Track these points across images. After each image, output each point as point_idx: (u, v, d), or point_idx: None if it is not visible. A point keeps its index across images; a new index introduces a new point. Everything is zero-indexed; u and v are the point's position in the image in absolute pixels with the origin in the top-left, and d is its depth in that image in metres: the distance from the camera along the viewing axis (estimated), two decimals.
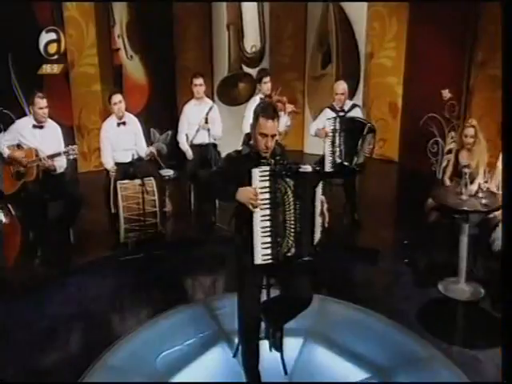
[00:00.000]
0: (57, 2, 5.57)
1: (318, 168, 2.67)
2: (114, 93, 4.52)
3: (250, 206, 2.47)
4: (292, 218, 2.55)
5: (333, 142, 4.72)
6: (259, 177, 2.48)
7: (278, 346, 2.87)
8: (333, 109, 4.88)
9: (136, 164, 4.46)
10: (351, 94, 5.49)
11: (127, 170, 4.41)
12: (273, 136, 2.57)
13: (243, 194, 2.48)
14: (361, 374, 3.06)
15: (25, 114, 4.60)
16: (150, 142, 5.94)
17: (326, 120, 4.78)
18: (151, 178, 4.33)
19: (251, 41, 6.49)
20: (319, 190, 2.59)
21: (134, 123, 4.60)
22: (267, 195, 2.50)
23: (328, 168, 4.76)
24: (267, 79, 4.99)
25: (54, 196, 4.29)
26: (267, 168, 2.51)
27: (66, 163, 4.33)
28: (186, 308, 3.65)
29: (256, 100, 5.17)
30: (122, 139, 4.49)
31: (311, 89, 6.93)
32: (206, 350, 3.21)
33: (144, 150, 4.54)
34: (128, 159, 4.46)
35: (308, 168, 2.55)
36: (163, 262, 4.25)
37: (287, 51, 6.79)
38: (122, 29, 5.96)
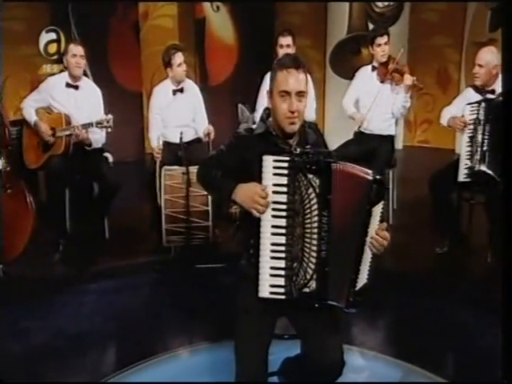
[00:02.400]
0: None
1: (378, 177, 2.25)
2: (175, 50, 4.56)
3: (255, 212, 2.21)
4: (314, 237, 2.24)
5: (472, 138, 4.23)
6: (273, 168, 2.20)
7: None
8: (477, 89, 4.40)
9: (190, 147, 4.47)
10: None
11: (176, 153, 4.43)
12: (300, 94, 2.30)
13: (245, 192, 2.23)
14: None
15: None
16: (237, 122, 6.00)
17: (465, 105, 4.33)
18: None
19: None
20: (378, 209, 2.22)
21: (194, 91, 4.65)
22: (284, 197, 2.22)
23: (462, 176, 4.28)
24: (383, 40, 4.78)
25: (85, 176, 4.52)
26: (286, 157, 2.22)
27: (104, 137, 4.50)
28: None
29: (366, 70, 4.96)
30: (177, 112, 4.54)
31: (471, 60, 6.44)
32: None
33: (203, 128, 4.54)
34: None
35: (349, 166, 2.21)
36: (215, 280, 4.22)
37: (436, 5, 6.39)
38: None
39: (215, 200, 2.71)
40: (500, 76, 4.30)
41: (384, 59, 4.82)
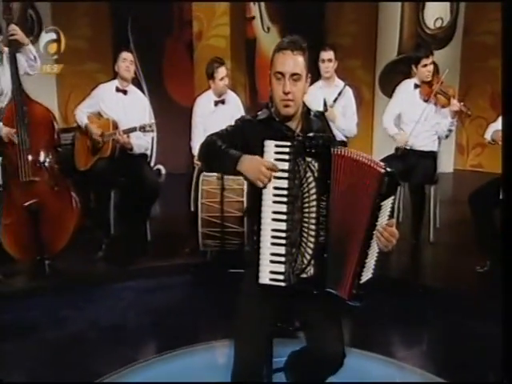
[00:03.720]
0: None
1: (389, 170, 2.17)
2: (218, 64, 4.74)
3: (259, 183, 2.16)
4: (313, 222, 2.19)
5: None
6: (275, 153, 2.17)
7: None
8: None
9: None
10: None
11: None
12: (295, 77, 2.26)
13: (250, 161, 2.18)
14: None
15: None
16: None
17: None
18: None
19: (436, 12, 6.29)
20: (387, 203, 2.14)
21: (235, 103, 4.79)
22: (285, 183, 2.18)
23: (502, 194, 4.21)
24: (428, 60, 4.75)
25: (130, 180, 4.68)
26: (288, 142, 2.17)
27: (148, 144, 4.69)
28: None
29: (408, 85, 4.93)
30: (218, 122, 4.62)
31: None
32: None
33: None
34: None
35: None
36: None
37: (492, 26, 6.30)
38: None
39: (218, 171, 2.65)
40: None
41: (428, 79, 4.78)
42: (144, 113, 4.69)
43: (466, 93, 6.36)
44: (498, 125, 4.41)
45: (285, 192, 2.19)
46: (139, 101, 4.76)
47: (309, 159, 2.17)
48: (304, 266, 2.22)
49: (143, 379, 3.26)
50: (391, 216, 2.18)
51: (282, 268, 2.21)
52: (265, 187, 2.18)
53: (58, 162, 4.31)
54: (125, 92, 4.69)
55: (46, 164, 4.20)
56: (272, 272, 2.22)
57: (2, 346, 3.50)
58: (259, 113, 2.42)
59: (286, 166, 2.17)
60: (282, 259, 2.21)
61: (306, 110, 2.41)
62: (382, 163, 2.18)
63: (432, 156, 4.89)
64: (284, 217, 2.20)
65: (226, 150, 2.28)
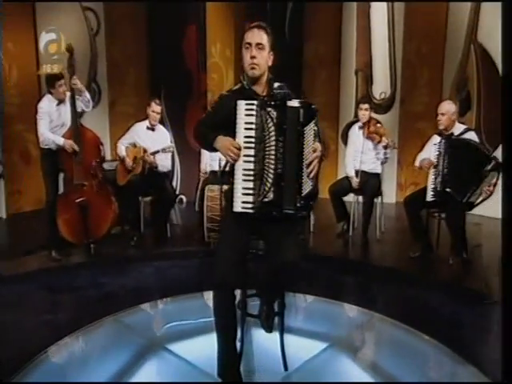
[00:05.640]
0: None
1: (313, 106, 2.22)
2: None
3: (229, 158, 2.16)
4: (272, 157, 2.16)
5: (436, 167, 4.13)
6: (245, 110, 2.14)
7: (268, 325, 2.45)
8: (440, 134, 4.35)
9: (225, 172, 4.62)
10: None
11: (217, 177, 4.60)
12: (259, 46, 2.22)
13: (222, 142, 2.17)
14: None
15: None
16: None
17: (431, 146, 4.28)
18: None
19: (380, 87, 6.40)
20: (311, 132, 2.19)
21: None
22: (253, 132, 2.14)
23: (429, 197, 4.16)
24: (365, 106, 4.80)
25: (155, 190, 4.70)
26: (255, 101, 2.14)
27: (169, 165, 4.75)
28: None
29: (355, 130, 4.98)
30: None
31: None
32: None
33: None
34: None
35: (296, 103, 2.18)
36: None
37: (421, 99, 6.44)
38: None
39: (205, 148, 2.67)
40: (456, 122, 4.27)
41: (365, 120, 4.81)
42: (166, 141, 4.75)
43: (403, 145, 6.38)
44: (423, 153, 4.42)
45: (252, 140, 2.16)
46: (163, 134, 4.84)
47: (269, 109, 2.16)
48: (266, 192, 2.18)
49: (155, 313, 3.29)
50: (314, 141, 2.21)
51: (250, 198, 2.19)
52: (234, 162, 2.15)
53: (101, 172, 4.35)
54: (153, 129, 4.77)
55: (92, 172, 4.23)
56: (243, 202, 2.19)
57: (61, 298, 3.62)
58: (234, 87, 2.39)
59: (253, 119, 2.15)
60: (251, 192, 2.18)
61: (271, 78, 2.35)
62: (297, 101, 2.20)
63: (377, 176, 4.88)
64: (252, 158, 2.17)
65: (206, 133, 2.26)
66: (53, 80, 4.08)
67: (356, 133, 4.94)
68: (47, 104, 4.10)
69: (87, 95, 4.20)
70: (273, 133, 2.17)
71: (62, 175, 4.28)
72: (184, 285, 3.80)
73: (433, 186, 4.14)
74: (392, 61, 6.38)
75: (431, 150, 4.24)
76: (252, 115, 2.16)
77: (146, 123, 4.75)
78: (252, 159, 2.17)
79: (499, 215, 5.88)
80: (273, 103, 2.17)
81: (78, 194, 4.16)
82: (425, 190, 4.23)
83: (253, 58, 2.24)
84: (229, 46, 6.26)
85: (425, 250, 4.33)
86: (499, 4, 5.68)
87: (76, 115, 4.13)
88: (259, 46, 2.24)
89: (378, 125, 4.82)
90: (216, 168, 4.71)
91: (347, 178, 4.89)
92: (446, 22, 6.16)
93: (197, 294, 3.54)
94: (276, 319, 2.54)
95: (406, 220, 4.43)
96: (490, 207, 5.41)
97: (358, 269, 4.21)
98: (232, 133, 2.17)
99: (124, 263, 4.28)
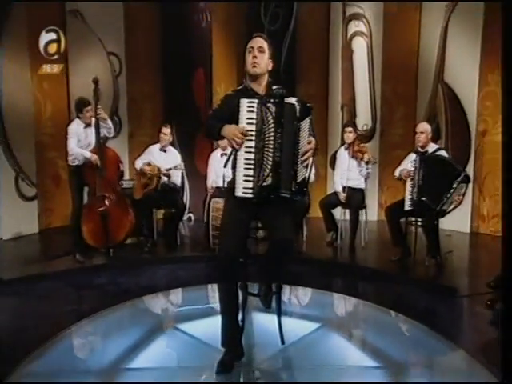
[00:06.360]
0: None
1: (308, 104, 2.25)
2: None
3: (234, 143, 2.18)
4: (271, 147, 2.18)
5: (412, 180, 4.24)
6: (247, 107, 2.18)
7: (266, 302, 2.45)
8: (416, 151, 4.48)
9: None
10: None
11: (221, 191, 4.66)
12: (260, 49, 2.27)
13: (228, 129, 2.20)
14: (368, 362, 2.45)
15: None
16: None
17: (409, 163, 4.40)
18: None
19: (363, 120, 6.57)
20: (306, 127, 2.23)
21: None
22: (253, 126, 2.18)
23: (407, 206, 4.25)
24: (349, 129, 4.94)
25: (167, 203, 4.77)
26: (255, 99, 2.20)
27: (180, 182, 4.85)
28: None
29: (341, 151, 5.11)
30: (221, 167, 4.84)
31: None
32: None
33: None
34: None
35: (293, 100, 2.22)
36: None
37: (398, 131, 6.59)
38: None
39: (213, 137, 2.70)
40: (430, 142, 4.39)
41: (350, 141, 4.91)
42: (177, 160, 4.84)
43: (383, 170, 6.45)
44: (402, 166, 4.53)
45: (253, 133, 2.19)
46: (174, 154, 4.94)
47: (268, 105, 2.20)
48: (264, 177, 2.20)
49: (167, 300, 3.36)
50: (309, 135, 2.24)
51: (250, 184, 2.20)
52: (238, 148, 2.18)
53: (120, 186, 4.47)
54: (165, 151, 4.88)
55: (113, 186, 4.34)
56: (244, 188, 2.20)
57: (83, 293, 3.72)
58: (237, 87, 2.44)
59: (254, 115, 2.20)
60: (251, 178, 2.20)
61: (270, 81, 2.38)
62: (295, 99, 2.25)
63: (361, 191, 4.92)
64: (252, 149, 2.19)
65: (214, 124, 2.30)
66: (81, 106, 4.25)
67: (342, 153, 5.05)
68: (76, 126, 4.26)
69: (110, 123, 4.35)
70: (272, 126, 2.19)
71: (86, 189, 4.38)
72: (191, 284, 3.82)
73: (410, 197, 4.23)
74: (372, 98, 6.59)
75: (408, 166, 4.36)
76: (253, 111, 2.20)
77: (159, 145, 4.88)
78: (252, 150, 2.20)
79: (466, 229, 5.99)
80: (272, 100, 2.21)
81: (100, 204, 4.26)
82: (403, 200, 4.32)
83: (254, 57, 2.28)
84: (232, 85, 6.47)
85: (404, 254, 4.38)
86: (462, 48, 6.01)
87: (99, 137, 4.26)
88: (260, 49, 2.30)
89: (361, 145, 4.96)
90: (220, 184, 4.80)
91: (335, 193, 4.98)
92: (417, 65, 6.41)
93: (203, 286, 3.56)
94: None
95: (387, 232, 4.50)
96: (458, 222, 5.58)
97: (346, 270, 4.25)
98: None
99: (139, 265, 4.32)
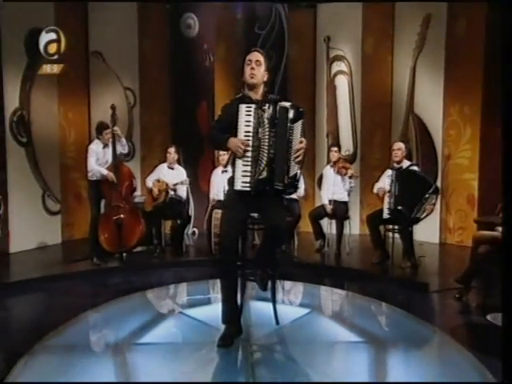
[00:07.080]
0: None
1: (301, 109, 2.28)
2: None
3: (237, 153, 2.25)
4: (266, 145, 2.23)
5: (389, 192, 4.34)
6: (245, 111, 2.23)
7: (263, 285, 2.49)
8: (392, 167, 4.60)
9: None
10: None
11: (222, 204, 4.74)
12: (257, 63, 2.31)
13: (232, 142, 2.25)
14: (354, 338, 2.48)
15: None
16: None
17: (386, 178, 4.51)
18: None
19: (345, 146, 6.72)
20: (299, 129, 2.27)
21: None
22: (251, 128, 2.23)
23: (385, 215, 4.34)
24: (334, 149, 5.08)
25: (174, 214, 4.82)
26: (252, 104, 2.24)
27: (185, 195, 4.92)
28: None
29: (327, 168, 5.22)
30: (223, 183, 4.92)
31: None
32: None
33: None
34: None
35: (286, 104, 2.27)
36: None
37: (376, 155, 6.73)
38: None
39: (218, 149, 2.75)
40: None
41: (335, 159, 5.03)
42: (183, 176, 4.92)
43: (364, 189, 6.52)
44: (379, 183, 4.63)
45: (250, 134, 2.24)
46: (180, 171, 5.01)
47: (264, 108, 2.26)
48: (260, 171, 2.24)
49: (173, 291, 3.40)
50: (301, 136, 2.29)
51: (248, 179, 2.26)
52: (241, 155, 2.24)
53: (133, 198, 4.55)
54: (172, 168, 4.97)
55: (126, 198, 4.40)
56: (242, 182, 2.27)
57: (99, 290, 3.78)
58: (236, 96, 2.46)
59: (251, 118, 2.25)
60: (248, 174, 2.26)
61: (266, 91, 2.42)
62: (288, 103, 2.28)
63: (345, 203, 5.00)
64: (250, 148, 2.24)
65: (219, 136, 2.34)
66: (101, 129, 4.38)
67: (328, 170, 5.15)
68: (95, 146, 4.37)
69: (124, 140, 4.48)
70: (267, 126, 2.24)
71: (103, 201, 4.44)
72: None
73: (388, 207, 4.32)
74: (353, 127, 6.78)
75: (385, 181, 4.47)
76: (250, 115, 2.25)
77: (167, 163, 4.97)
78: (250, 148, 2.24)
79: (436, 240, 6.03)
80: (267, 104, 2.27)
81: (115, 213, 4.31)
82: (382, 210, 4.41)
83: (252, 69, 2.34)
84: None
85: (383, 257, 4.42)
86: (428, 85, 6.28)
87: (116, 155, 4.37)
88: (257, 62, 2.36)
89: (345, 162, 5.08)
90: (221, 197, 4.87)
91: (323, 205, 5.06)
92: (391, 99, 6.65)
93: (205, 281, 3.58)
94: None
95: (368, 242, 4.57)
96: (428, 233, 5.65)
97: (333, 271, 4.29)
98: (235, 129, 2.27)
99: (149, 268, 4.34)
